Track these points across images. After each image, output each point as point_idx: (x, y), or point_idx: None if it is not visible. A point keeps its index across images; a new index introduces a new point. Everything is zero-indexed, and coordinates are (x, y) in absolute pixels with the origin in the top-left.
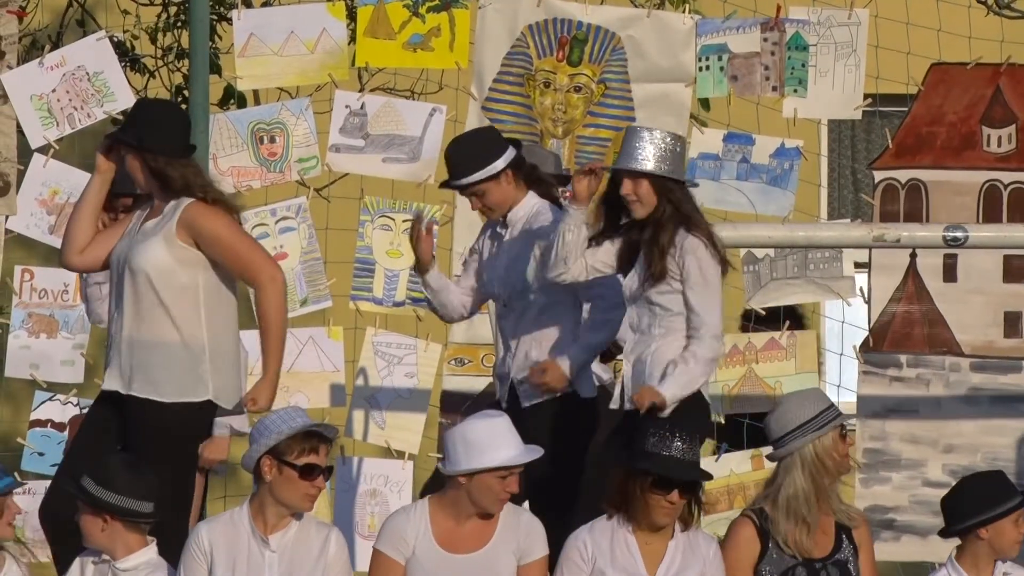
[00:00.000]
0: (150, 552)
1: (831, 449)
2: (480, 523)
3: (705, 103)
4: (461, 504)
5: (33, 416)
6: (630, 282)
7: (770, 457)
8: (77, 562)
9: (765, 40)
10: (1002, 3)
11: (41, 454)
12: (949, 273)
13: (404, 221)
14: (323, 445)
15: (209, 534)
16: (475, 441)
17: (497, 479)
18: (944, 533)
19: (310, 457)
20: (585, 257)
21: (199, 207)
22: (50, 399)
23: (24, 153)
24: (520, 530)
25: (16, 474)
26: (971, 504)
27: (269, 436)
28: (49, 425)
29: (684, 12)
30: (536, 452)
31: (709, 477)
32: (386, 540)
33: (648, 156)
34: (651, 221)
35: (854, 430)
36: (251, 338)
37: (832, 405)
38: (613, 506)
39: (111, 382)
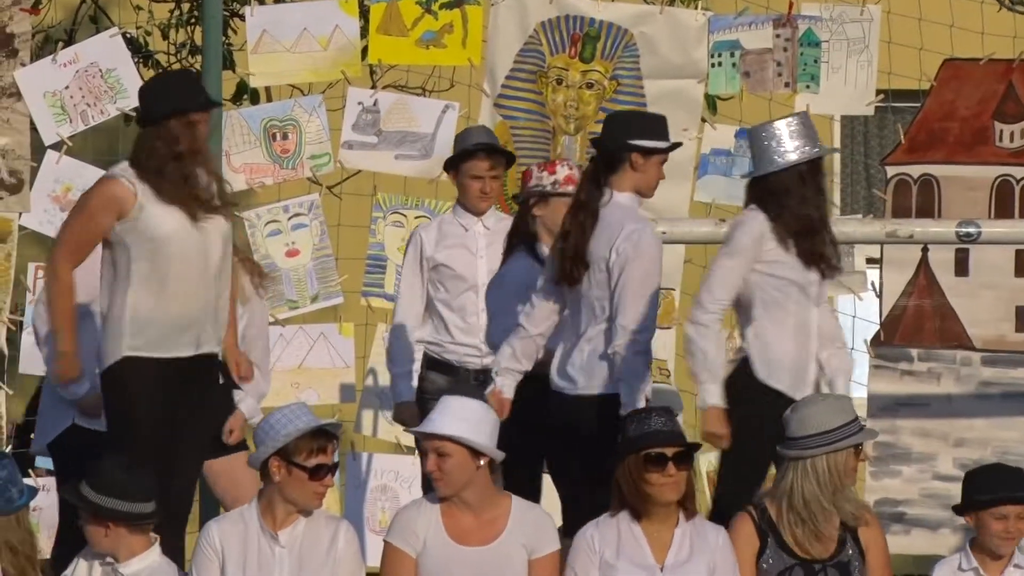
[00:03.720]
0: (153, 554)
1: (843, 464)
2: (491, 516)
3: (712, 105)
4: None
5: None
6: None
7: (780, 451)
8: (82, 564)
9: (777, 36)
10: None
11: None
12: (961, 267)
13: (416, 218)
14: (331, 444)
15: (220, 532)
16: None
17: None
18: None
19: (319, 458)
20: None
21: None
22: None
23: (37, 150)
24: (531, 525)
25: (31, 470)
26: (966, 489)
27: (276, 437)
28: None
29: (696, 8)
30: (447, 430)
31: (698, 446)
32: (397, 533)
33: None
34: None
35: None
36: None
37: (856, 419)
38: (617, 502)
39: (211, 345)
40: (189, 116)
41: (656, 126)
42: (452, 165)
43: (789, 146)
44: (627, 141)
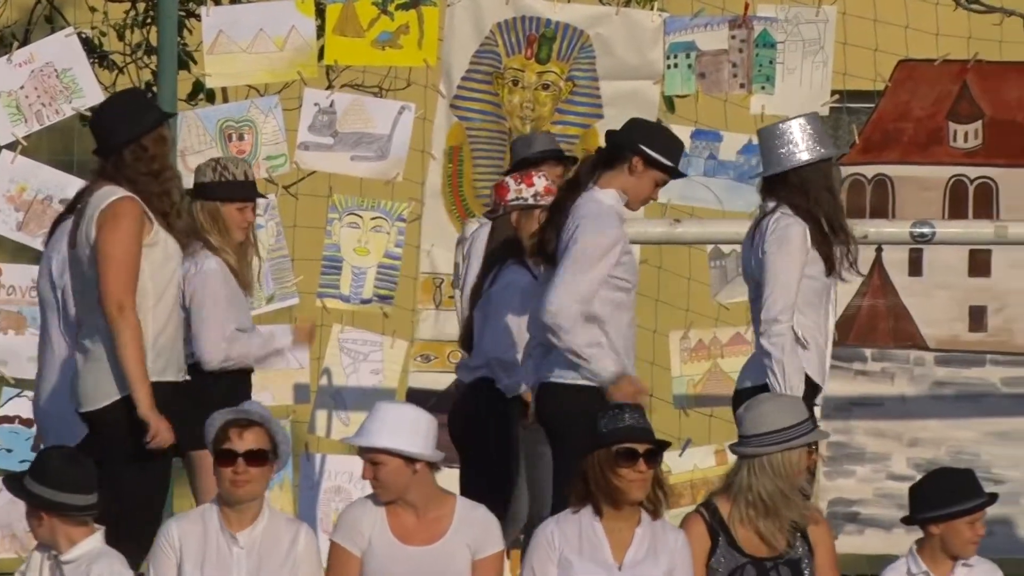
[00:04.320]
0: (93, 541)
1: (797, 462)
2: (435, 516)
3: (670, 105)
4: None
5: (1, 412)
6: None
7: (734, 449)
8: (36, 556)
9: (733, 37)
10: None
11: (9, 450)
12: (915, 267)
13: (372, 219)
14: (235, 429)
15: (179, 530)
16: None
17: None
18: (905, 521)
19: (224, 444)
20: None
21: None
22: (18, 395)
23: None
24: (475, 525)
25: None
26: (929, 498)
27: (208, 433)
28: (17, 421)
29: (652, 10)
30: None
31: (667, 444)
32: (342, 532)
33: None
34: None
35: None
36: None
37: (809, 418)
38: (579, 498)
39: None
40: (160, 130)
41: (671, 146)
42: (519, 169)
43: (802, 146)
44: (636, 143)
